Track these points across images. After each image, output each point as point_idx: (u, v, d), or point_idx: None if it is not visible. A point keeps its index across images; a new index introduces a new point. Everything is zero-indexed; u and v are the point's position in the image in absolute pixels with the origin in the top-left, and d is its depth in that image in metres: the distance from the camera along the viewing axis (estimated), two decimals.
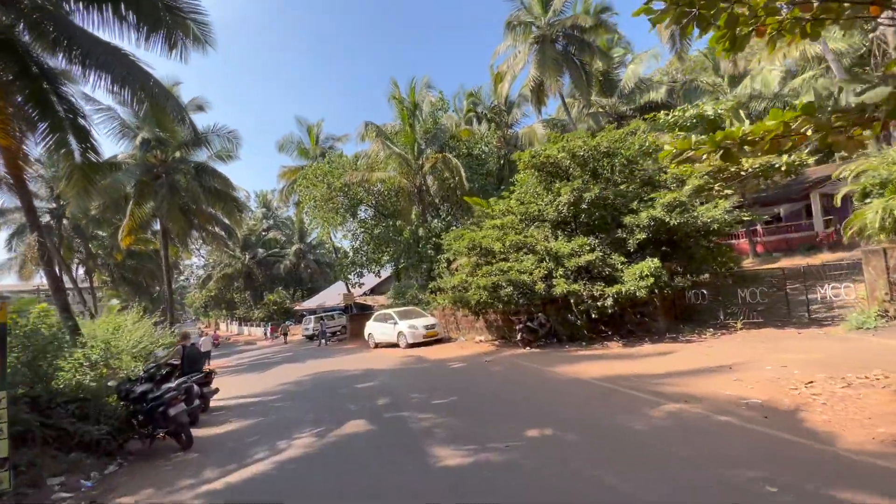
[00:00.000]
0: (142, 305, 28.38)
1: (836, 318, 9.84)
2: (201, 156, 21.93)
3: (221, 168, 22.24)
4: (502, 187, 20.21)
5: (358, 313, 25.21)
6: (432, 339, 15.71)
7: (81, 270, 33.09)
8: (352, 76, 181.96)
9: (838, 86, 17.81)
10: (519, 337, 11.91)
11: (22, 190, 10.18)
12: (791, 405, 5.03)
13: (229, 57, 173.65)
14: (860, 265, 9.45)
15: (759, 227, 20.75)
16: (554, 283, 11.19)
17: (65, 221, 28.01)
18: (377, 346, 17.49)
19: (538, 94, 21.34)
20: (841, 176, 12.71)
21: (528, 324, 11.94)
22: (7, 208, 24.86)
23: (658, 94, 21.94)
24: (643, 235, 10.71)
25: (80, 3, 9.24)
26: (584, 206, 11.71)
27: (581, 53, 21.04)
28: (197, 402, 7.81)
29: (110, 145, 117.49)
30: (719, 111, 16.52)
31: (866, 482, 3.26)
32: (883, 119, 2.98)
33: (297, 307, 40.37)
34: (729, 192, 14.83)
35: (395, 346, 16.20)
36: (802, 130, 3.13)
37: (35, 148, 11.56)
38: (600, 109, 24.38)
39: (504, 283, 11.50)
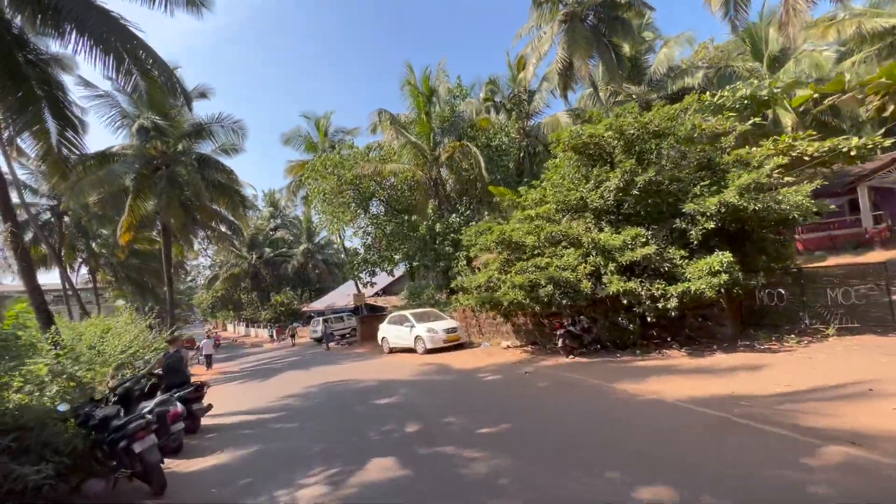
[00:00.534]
0: (147, 306, 27.31)
1: None
2: (205, 148, 20.58)
3: (227, 161, 20.86)
4: (525, 180, 18.58)
5: (369, 315, 23.71)
6: (453, 345, 14.16)
7: (84, 269, 32.11)
8: (363, 75, 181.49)
9: None
10: (560, 344, 10.25)
11: None
12: None
13: (237, 52, 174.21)
14: None
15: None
16: (604, 280, 9.58)
17: (66, 219, 26.90)
18: (392, 350, 15.96)
19: (565, 79, 19.64)
20: None
21: (571, 328, 10.31)
22: None
23: (695, 80, 20.10)
24: (711, 224, 9.04)
25: None
26: (633, 192, 10.10)
27: (612, 33, 19.32)
28: (181, 424, 6.33)
29: (107, 136, 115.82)
30: (774, 90, 14.74)
31: None
32: None
33: (305, 308, 39.01)
34: (790, 179, 13.11)
35: (412, 351, 14.66)
36: None
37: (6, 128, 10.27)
38: (629, 97, 22.61)
39: (543, 282, 9.90)
